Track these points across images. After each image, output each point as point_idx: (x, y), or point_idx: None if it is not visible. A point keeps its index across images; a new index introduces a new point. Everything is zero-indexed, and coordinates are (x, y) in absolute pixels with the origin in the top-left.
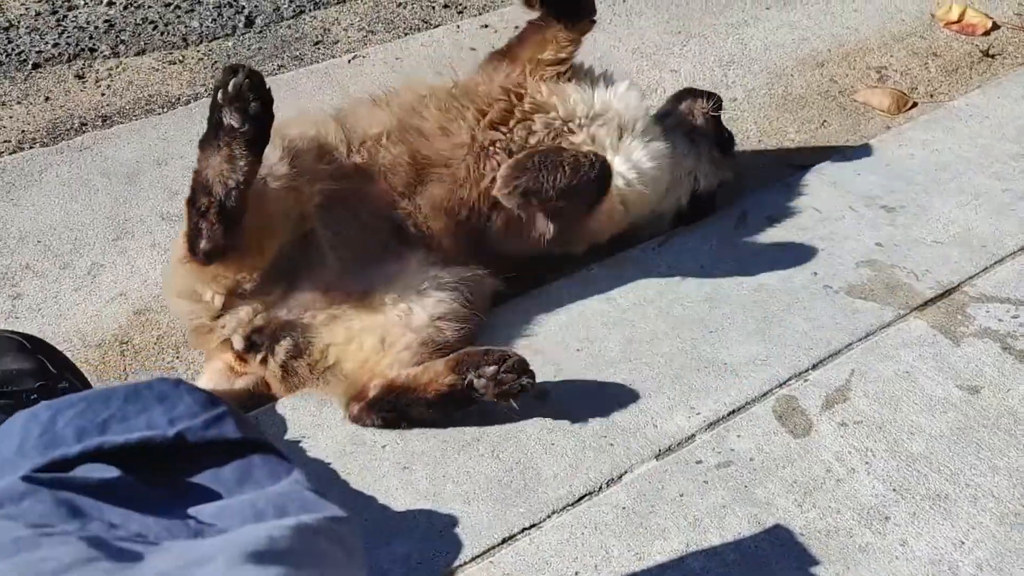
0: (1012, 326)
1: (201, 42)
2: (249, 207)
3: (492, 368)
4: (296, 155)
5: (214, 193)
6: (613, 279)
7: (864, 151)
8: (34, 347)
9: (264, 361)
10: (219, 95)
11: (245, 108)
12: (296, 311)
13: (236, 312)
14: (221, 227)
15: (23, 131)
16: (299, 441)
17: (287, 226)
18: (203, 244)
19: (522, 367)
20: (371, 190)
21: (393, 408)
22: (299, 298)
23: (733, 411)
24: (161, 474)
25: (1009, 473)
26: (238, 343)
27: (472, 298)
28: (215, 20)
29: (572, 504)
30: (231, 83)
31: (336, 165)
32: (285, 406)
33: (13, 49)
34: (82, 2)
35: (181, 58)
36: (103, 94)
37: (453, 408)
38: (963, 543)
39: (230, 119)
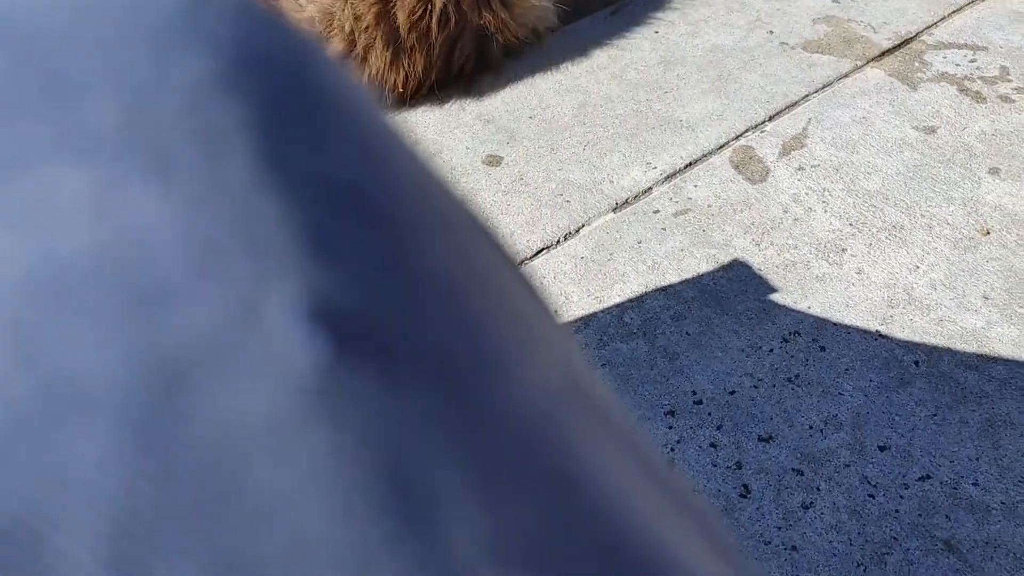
0: (969, 69)
1: None
2: None
3: None
4: None
5: None
6: (565, 50)
7: None
8: None
9: None
10: None
11: None
12: None
13: None
14: None
15: None
16: None
17: None
18: None
19: None
20: None
21: None
22: None
23: (690, 163)
24: None
25: (963, 203)
26: None
27: None
28: None
29: (530, 257)
30: None
31: None
32: None
33: None
34: None
35: None
36: None
37: None
38: (918, 267)
39: None
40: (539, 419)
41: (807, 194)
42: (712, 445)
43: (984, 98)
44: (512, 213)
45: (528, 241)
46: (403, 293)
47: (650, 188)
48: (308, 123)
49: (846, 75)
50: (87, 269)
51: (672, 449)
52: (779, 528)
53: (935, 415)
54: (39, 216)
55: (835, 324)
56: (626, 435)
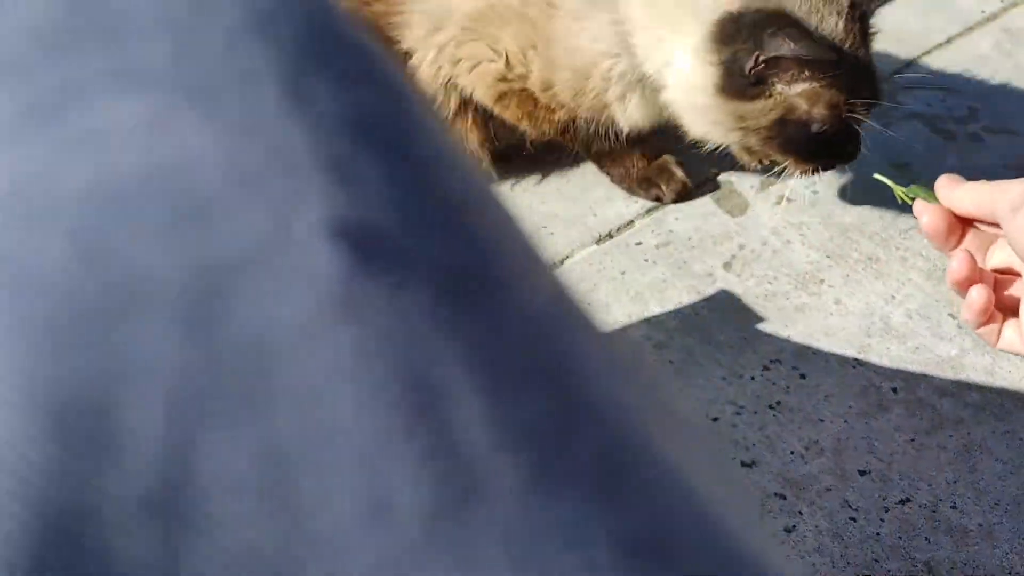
0: (940, 109)
1: None
2: None
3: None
4: None
5: None
6: None
7: None
8: None
9: None
10: None
11: None
12: None
13: None
14: None
15: None
16: None
17: None
18: None
19: None
20: None
21: None
22: None
23: None
24: None
25: None
26: None
27: None
28: None
29: None
30: None
31: None
32: None
33: None
34: None
35: None
36: None
37: None
38: (894, 297)
39: None
40: (535, 323)
41: (785, 227)
42: None
43: (954, 136)
44: None
45: None
46: (415, 215)
47: (632, 221)
48: (330, 66)
49: None
50: (141, 187)
51: None
52: None
53: (913, 440)
54: (98, 140)
55: (815, 352)
56: (608, 340)
